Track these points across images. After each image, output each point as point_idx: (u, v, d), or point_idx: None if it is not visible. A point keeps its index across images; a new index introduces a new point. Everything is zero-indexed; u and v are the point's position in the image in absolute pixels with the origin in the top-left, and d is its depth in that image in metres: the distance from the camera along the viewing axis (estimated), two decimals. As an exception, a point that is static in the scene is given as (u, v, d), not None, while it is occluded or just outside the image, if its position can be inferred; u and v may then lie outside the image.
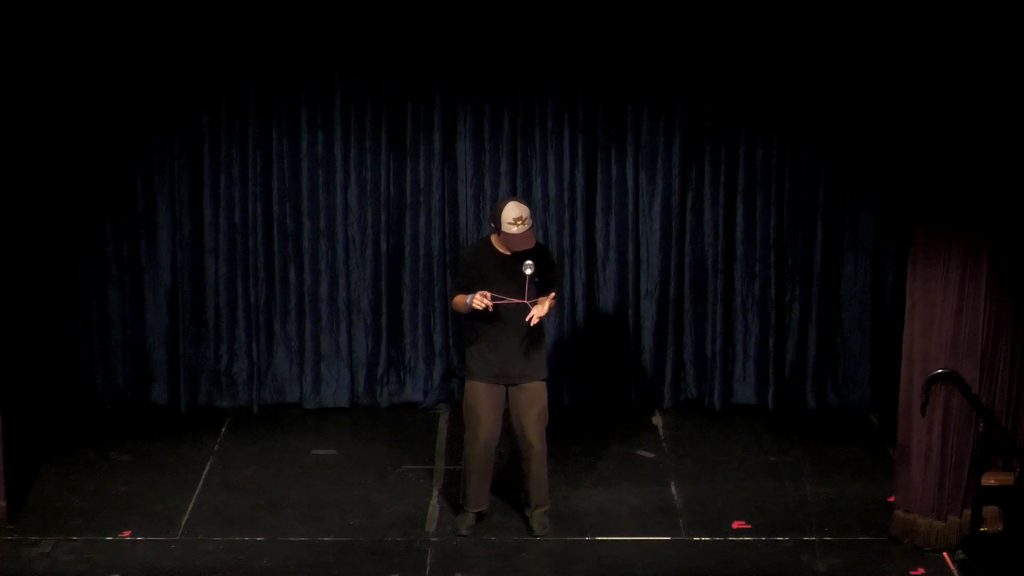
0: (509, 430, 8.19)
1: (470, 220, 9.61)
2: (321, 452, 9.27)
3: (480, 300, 7.79)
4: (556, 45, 9.37)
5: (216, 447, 9.33)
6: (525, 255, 7.88)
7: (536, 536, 8.16)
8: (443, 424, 9.55)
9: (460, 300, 7.96)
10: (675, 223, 9.65)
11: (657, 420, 9.74)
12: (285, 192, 9.61)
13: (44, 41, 9.12)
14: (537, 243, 8.01)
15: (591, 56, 9.41)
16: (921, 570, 7.88)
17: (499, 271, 7.94)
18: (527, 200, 9.52)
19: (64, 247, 9.59)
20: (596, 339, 9.83)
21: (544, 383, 8.09)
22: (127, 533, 8.23)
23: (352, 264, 9.70)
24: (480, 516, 8.27)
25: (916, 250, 7.80)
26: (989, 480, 7.96)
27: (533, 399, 8.06)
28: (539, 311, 7.83)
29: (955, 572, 7.88)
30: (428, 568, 7.90)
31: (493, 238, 7.98)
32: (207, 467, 9.04)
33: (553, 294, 7.91)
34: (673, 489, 8.78)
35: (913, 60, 7.87)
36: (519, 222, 7.81)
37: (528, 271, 7.79)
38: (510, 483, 8.44)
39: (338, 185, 9.59)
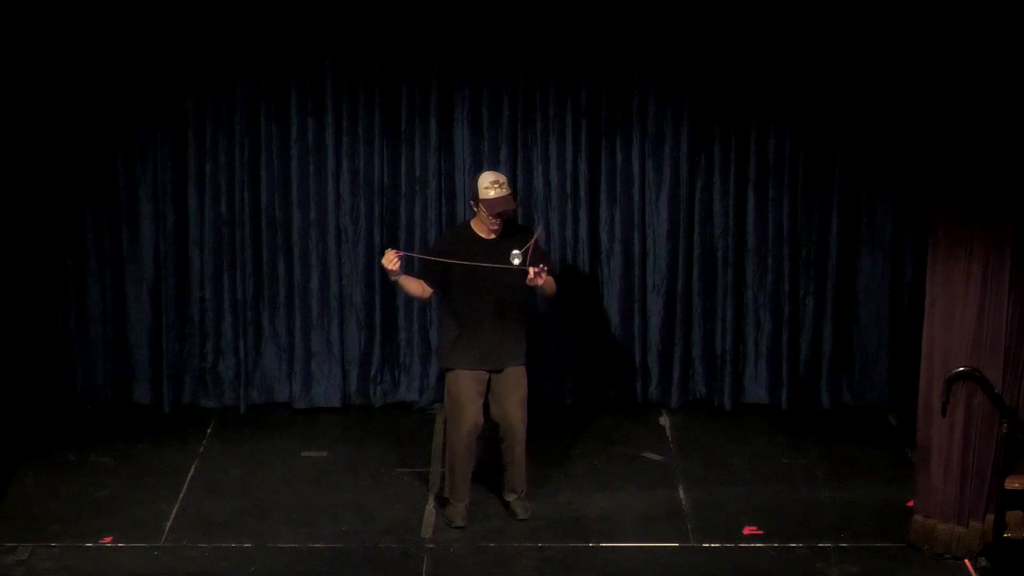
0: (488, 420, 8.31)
1: (467, 210, 9.60)
2: (311, 454, 9.27)
3: (388, 260, 7.96)
4: (558, 27, 9.36)
5: (201, 449, 9.33)
6: (496, 243, 8.02)
7: (520, 519, 8.34)
8: (439, 425, 9.54)
9: (406, 283, 8.20)
10: (683, 214, 9.65)
11: (664, 421, 9.74)
12: (274, 181, 9.61)
13: (21, 23, 9.10)
14: (512, 221, 8.21)
15: (595, 38, 9.40)
16: (941, 578, 7.91)
17: (484, 252, 8.08)
18: (529, 189, 9.62)
19: (41, 239, 9.58)
20: (600, 336, 9.83)
21: (525, 367, 8.26)
22: (108, 539, 8.23)
23: (344, 257, 9.70)
24: (467, 508, 8.39)
25: (936, 242, 7.80)
26: (1013, 484, 7.97)
27: (515, 383, 8.22)
28: (537, 277, 7.98)
29: (977, 580, 7.92)
30: (424, 576, 7.94)
31: (473, 223, 8.14)
32: (192, 470, 9.04)
33: (542, 267, 8.01)
34: (681, 493, 8.78)
35: (933, 44, 7.87)
36: (496, 185, 8.03)
37: (515, 261, 7.96)
38: (499, 480, 8.48)
39: (329, 173, 9.59)
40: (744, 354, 9.87)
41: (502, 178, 8.10)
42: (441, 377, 9.71)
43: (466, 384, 8.19)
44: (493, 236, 8.14)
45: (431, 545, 8.20)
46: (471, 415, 8.19)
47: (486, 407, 8.29)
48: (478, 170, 9.53)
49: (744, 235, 9.70)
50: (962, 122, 7.64)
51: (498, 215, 8.06)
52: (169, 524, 8.39)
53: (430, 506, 8.57)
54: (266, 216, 9.65)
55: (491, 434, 8.38)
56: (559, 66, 9.45)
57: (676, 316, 9.77)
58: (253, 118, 9.52)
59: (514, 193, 8.11)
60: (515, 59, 9.46)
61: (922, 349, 7.95)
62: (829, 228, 9.64)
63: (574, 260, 9.71)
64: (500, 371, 8.21)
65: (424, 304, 9.72)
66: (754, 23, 9.30)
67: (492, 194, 8.02)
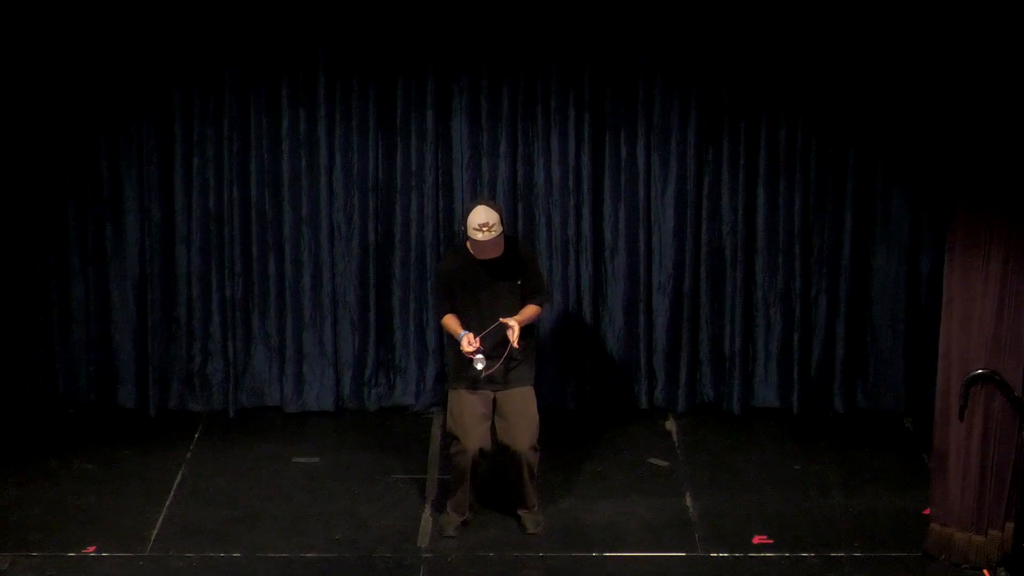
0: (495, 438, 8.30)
1: (466, 207, 9.60)
2: (303, 460, 9.28)
3: (467, 345, 8.03)
4: (560, 14, 9.36)
5: (188, 455, 9.34)
6: (496, 264, 8.04)
7: (530, 533, 8.33)
8: (436, 430, 9.55)
9: (452, 327, 8.17)
10: (690, 210, 9.66)
11: (671, 425, 9.75)
12: (264, 176, 9.61)
13: (2, 15, 9.11)
14: (511, 238, 8.18)
15: (598, 27, 9.40)
16: (959, 589, 7.93)
17: (485, 276, 8.10)
18: (529, 184, 9.62)
19: (22, 235, 9.59)
20: (604, 337, 9.84)
21: (532, 388, 8.25)
22: (91, 549, 8.24)
23: (337, 255, 9.71)
24: (463, 523, 8.38)
25: (954, 239, 7.81)
26: (1033, 490, 8.00)
27: (523, 407, 8.21)
28: (512, 335, 8.03)
29: (996, 591, 7.93)
30: (420, 586, 7.95)
31: (468, 243, 8.11)
32: (179, 477, 9.05)
33: (516, 323, 8.05)
34: (688, 500, 8.79)
35: (951, 34, 7.87)
36: (485, 228, 7.95)
37: (479, 366, 8.03)
38: (505, 493, 8.48)
39: (322, 168, 9.60)
40: (753, 356, 9.87)
41: (494, 219, 7.96)
42: (437, 380, 9.75)
43: (470, 405, 8.18)
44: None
45: (428, 554, 8.21)
46: (476, 438, 8.17)
47: (493, 428, 8.29)
48: (476, 165, 9.58)
49: (753, 232, 9.71)
50: (982, 115, 7.64)
51: (484, 261, 8.06)
52: (155, 533, 8.40)
53: (427, 514, 8.58)
54: (256, 212, 9.65)
55: (498, 452, 8.37)
56: (561, 55, 9.46)
57: (683, 316, 9.78)
58: (242, 110, 9.53)
59: (505, 233, 8.05)
60: (515, 48, 9.46)
61: (939, 350, 7.96)
62: (842, 224, 9.65)
63: (577, 258, 9.71)
64: (506, 391, 8.21)
65: (420, 304, 9.74)
66: (764, 10, 9.31)
67: (480, 237, 7.96)
